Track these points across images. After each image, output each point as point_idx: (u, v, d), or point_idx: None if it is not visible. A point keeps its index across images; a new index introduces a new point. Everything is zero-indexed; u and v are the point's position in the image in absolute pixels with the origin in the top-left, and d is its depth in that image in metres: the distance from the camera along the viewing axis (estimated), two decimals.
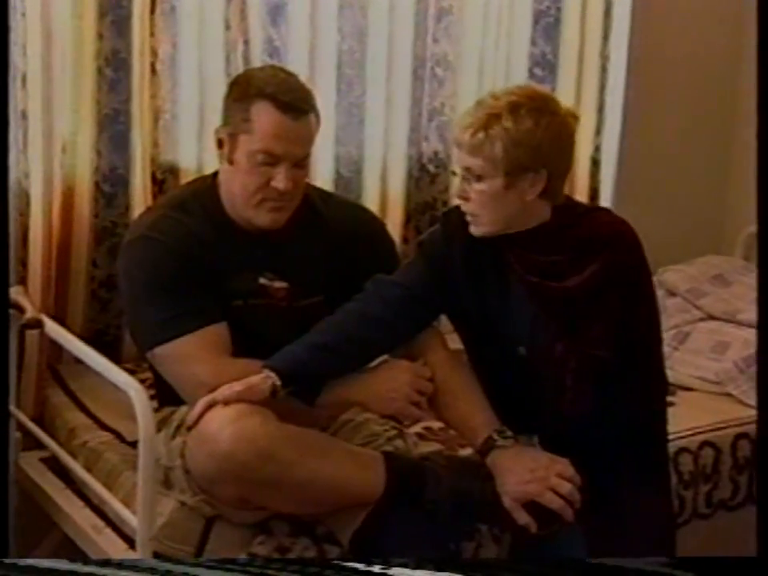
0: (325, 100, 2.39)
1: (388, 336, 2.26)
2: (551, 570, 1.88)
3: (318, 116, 2.26)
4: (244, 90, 2.23)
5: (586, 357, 2.14)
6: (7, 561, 2.10)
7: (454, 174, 2.23)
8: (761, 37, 1.84)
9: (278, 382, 2.12)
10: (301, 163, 2.24)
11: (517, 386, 2.23)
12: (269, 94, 2.19)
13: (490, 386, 2.26)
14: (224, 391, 2.08)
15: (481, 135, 2.09)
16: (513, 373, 2.23)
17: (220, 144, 2.27)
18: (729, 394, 2.96)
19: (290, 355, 2.16)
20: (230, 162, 2.25)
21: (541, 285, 2.17)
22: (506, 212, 2.15)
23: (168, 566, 2.04)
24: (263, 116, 2.19)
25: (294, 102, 2.20)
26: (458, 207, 2.23)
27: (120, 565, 2.08)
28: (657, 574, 1.78)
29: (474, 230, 2.19)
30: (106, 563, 2.14)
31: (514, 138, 2.08)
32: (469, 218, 2.18)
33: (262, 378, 2.12)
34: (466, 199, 2.16)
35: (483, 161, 2.11)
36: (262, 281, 2.29)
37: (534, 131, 2.09)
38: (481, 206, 2.15)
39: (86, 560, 2.26)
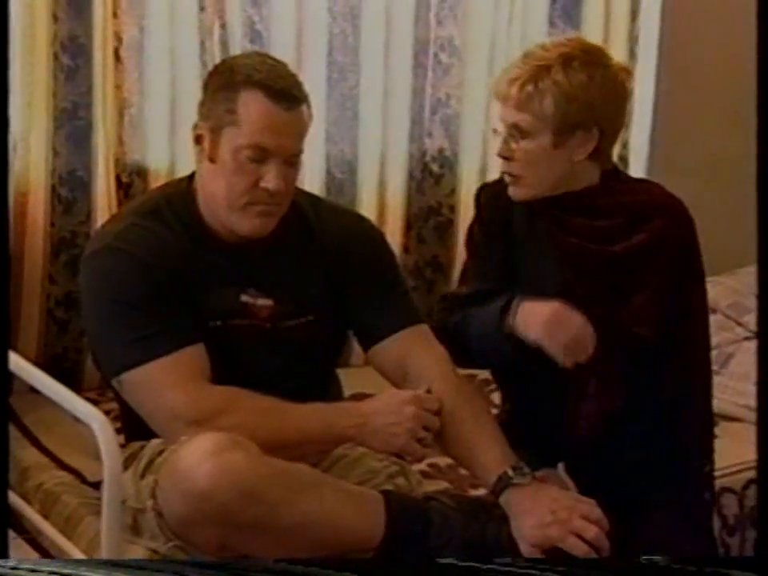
0: (314, 91, 2.40)
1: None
2: (582, 570, 1.91)
3: (310, 107, 2.28)
4: (228, 78, 2.25)
5: (623, 334, 2.21)
6: None
7: (495, 131, 2.30)
8: (761, 36, 1.90)
9: None
10: (292, 161, 2.27)
11: (540, 382, 2.27)
12: (258, 82, 2.21)
13: (508, 385, 2.33)
14: None
15: (529, 88, 2.19)
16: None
17: (198, 141, 2.28)
18: None
19: None
20: (212, 159, 2.25)
21: (581, 246, 2.26)
22: (553, 173, 2.25)
23: (159, 564, 2.07)
24: (252, 106, 2.21)
25: (287, 89, 2.23)
26: (483, 187, 2.37)
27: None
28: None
29: (515, 192, 2.27)
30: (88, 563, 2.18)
31: (566, 93, 2.18)
32: (509, 180, 2.27)
33: None
34: (509, 159, 2.25)
35: (531, 116, 2.20)
36: (244, 298, 2.31)
37: (587, 86, 2.19)
38: (526, 165, 2.24)
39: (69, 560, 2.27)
